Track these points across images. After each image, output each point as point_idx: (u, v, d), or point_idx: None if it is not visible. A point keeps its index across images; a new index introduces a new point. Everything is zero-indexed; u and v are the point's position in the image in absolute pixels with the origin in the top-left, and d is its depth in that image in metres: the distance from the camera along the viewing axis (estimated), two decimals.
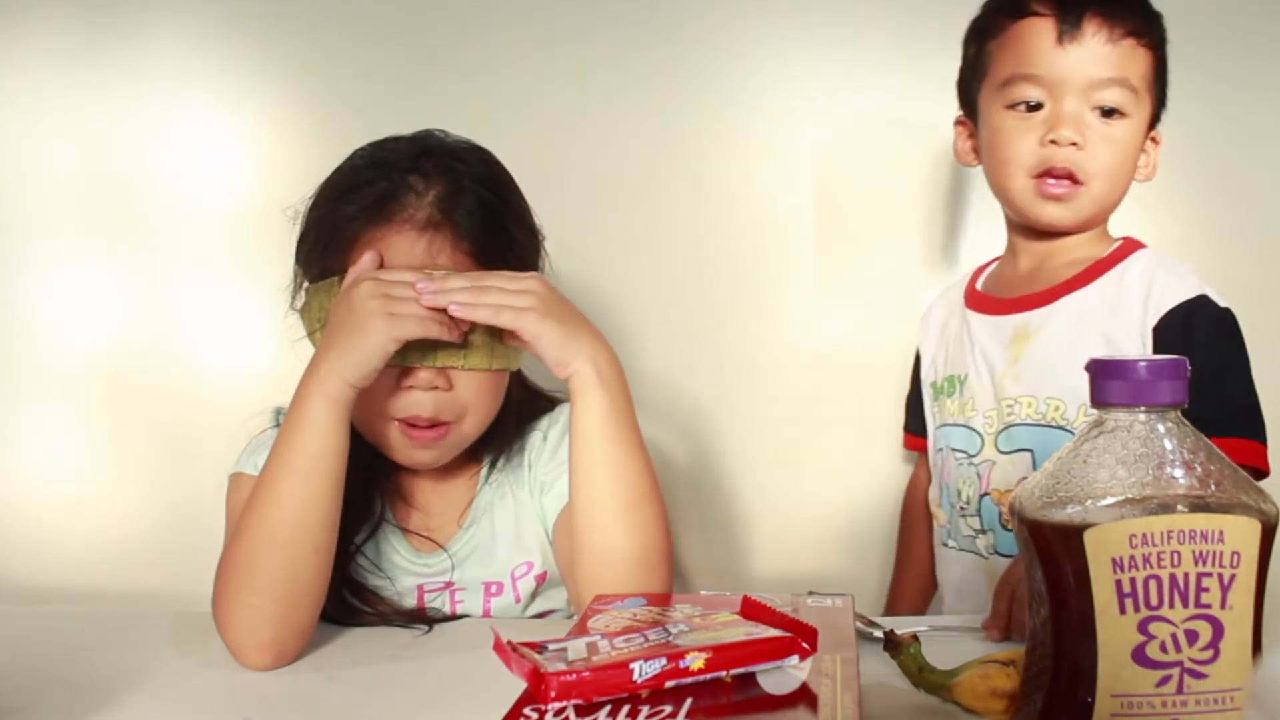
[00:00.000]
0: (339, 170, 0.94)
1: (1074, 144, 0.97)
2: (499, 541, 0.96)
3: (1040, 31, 0.98)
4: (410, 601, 0.94)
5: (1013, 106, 1.00)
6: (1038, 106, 0.99)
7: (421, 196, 0.88)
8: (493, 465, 0.98)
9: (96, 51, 1.37)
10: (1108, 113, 0.98)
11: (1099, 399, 0.53)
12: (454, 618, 0.93)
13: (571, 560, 0.87)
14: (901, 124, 1.36)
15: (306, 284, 0.94)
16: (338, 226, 0.90)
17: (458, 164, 0.91)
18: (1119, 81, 0.97)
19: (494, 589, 0.96)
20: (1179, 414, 0.52)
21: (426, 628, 0.88)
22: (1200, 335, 0.95)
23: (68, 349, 1.38)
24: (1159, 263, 1.01)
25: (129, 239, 1.37)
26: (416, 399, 0.88)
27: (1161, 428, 0.52)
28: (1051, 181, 0.99)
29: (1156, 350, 0.95)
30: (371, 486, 0.93)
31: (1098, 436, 0.53)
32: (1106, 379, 0.52)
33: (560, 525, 0.93)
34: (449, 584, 0.95)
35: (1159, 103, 1.03)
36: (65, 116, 1.37)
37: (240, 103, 1.37)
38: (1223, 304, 0.98)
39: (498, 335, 0.87)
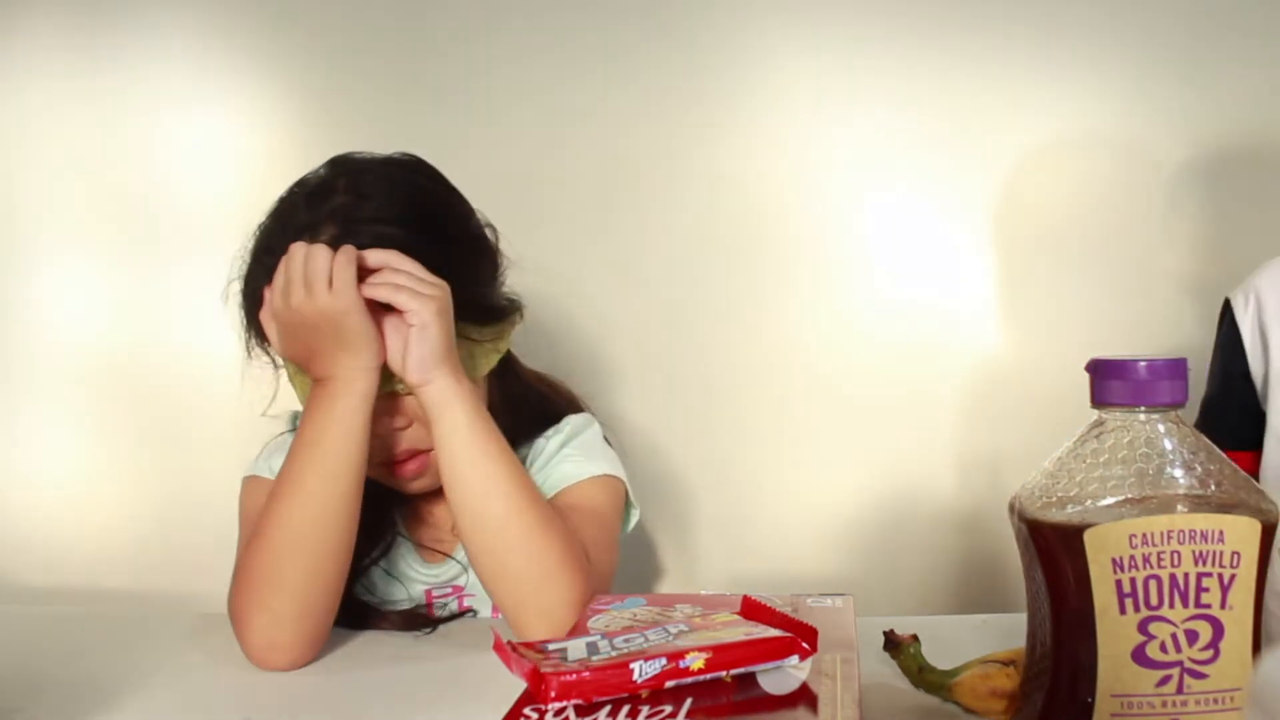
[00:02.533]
0: (257, 230, 0.91)
1: None
2: None
3: None
4: (413, 604, 0.95)
5: None
6: None
7: (328, 230, 0.84)
8: None
9: (96, 53, 1.37)
10: None
11: (1099, 399, 0.53)
12: (458, 614, 0.93)
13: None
14: (903, 129, 1.36)
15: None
16: (253, 299, 0.89)
17: (359, 208, 0.86)
18: None
19: None
20: (1179, 414, 0.52)
21: (430, 628, 0.88)
22: None
23: (68, 349, 1.38)
24: None
25: (129, 239, 1.38)
26: (385, 443, 0.87)
27: (1161, 428, 0.52)
28: None
29: None
30: (385, 501, 0.93)
31: (1098, 436, 0.53)
32: (1106, 379, 0.52)
33: None
34: (457, 589, 0.95)
35: None
36: (65, 117, 1.37)
37: (241, 102, 1.38)
38: None
39: None
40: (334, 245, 0.81)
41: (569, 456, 0.96)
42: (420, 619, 0.90)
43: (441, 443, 0.82)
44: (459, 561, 0.95)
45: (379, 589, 0.93)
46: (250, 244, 0.91)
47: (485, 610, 0.95)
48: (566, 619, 0.76)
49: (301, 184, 0.90)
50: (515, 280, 1.07)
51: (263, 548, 0.80)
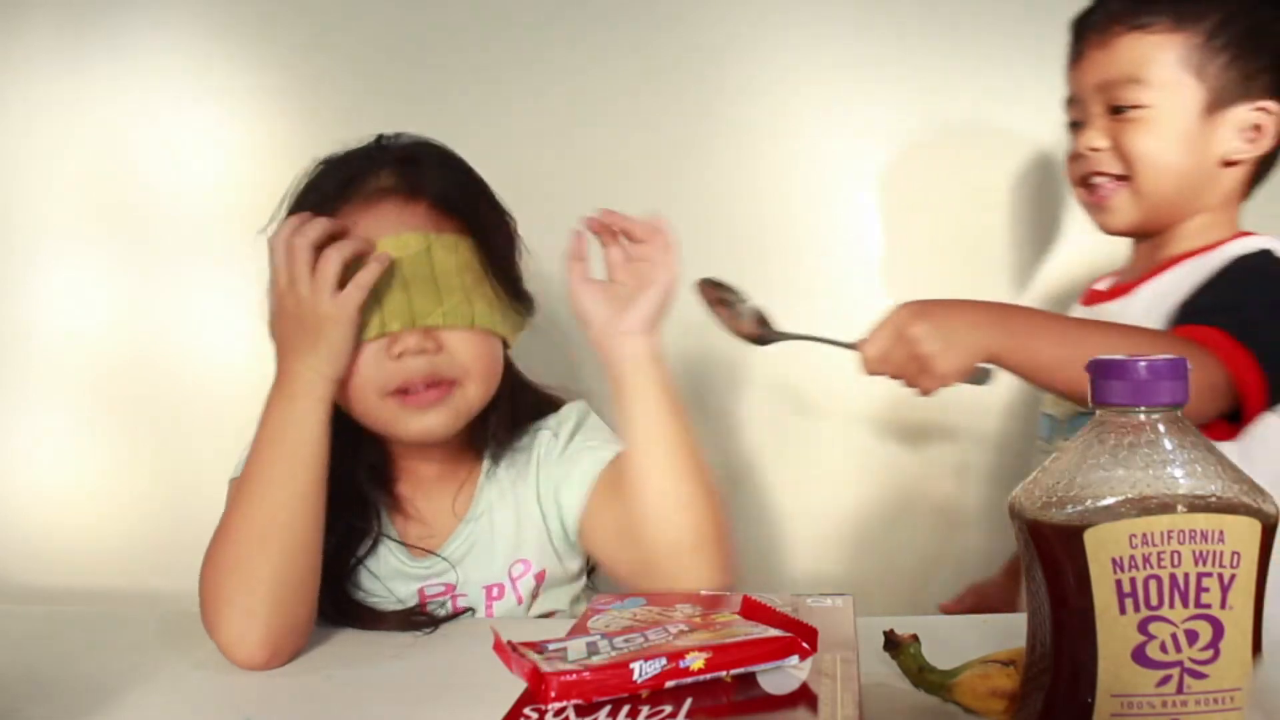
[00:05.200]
0: (296, 188, 0.95)
1: (1093, 149, 1.00)
2: (498, 540, 0.96)
3: (1071, 57, 1.03)
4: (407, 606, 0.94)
5: (1070, 129, 1.05)
6: (1077, 124, 1.03)
7: (386, 170, 0.92)
8: (495, 460, 0.98)
9: (96, 52, 1.37)
10: (1123, 109, 0.98)
11: (1099, 399, 0.53)
12: (456, 614, 0.93)
13: (623, 544, 0.89)
14: (908, 131, 1.36)
15: None
16: (319, 207, 0.90)
17: (414, 147, 0.95)
18: (1121, 80, 0.97)
19: (495, 592, 0.96)
20: (1179, 414, 0.52)
21: (431, 627, 0.88)
22: (1240, 269, 0.94)
23: (68, 349, 1.38)
24: (1262, 240, 0.98)
25: (130, 239, 1.38)
26: (408, 365, 0.88)
27: (1161, 428, 0.52)
28: (1085, 190, 1.03)
29: (1203, 285, 0.94)
30: (369, 498, 0.94)
31: (1098, 436, 0.53)
32: (1106, 379, 0.52)
33: (595, 511, 0.93)
34: (450, 588, 0.95)
35: (1237, 75, 0.96)
36: (65, 116, 1.37)
37: (242, 101, 1.38)
38: None
39: (475, 296, 0.90)
40: (406, 173, 0.90)
41: (590, 444, 0.97)
42: (420, 619, 0.90)
43: (638, 394, 0.86)
44: (445, 559, 0.95)
45: (369, 588, 0.93)
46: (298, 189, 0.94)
47: (480, 611, 0.95)
48: (726, 580, 0.85)
49: (345, 149, 0.95)
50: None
51: (228, 547, 0.81)
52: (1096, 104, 1.00)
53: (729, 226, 1.35)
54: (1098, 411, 0.53)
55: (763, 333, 0.99)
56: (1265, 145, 0.98)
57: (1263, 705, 0.35)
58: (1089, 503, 0.51)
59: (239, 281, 1.35)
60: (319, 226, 0.85)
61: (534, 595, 0.97)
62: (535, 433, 0.99)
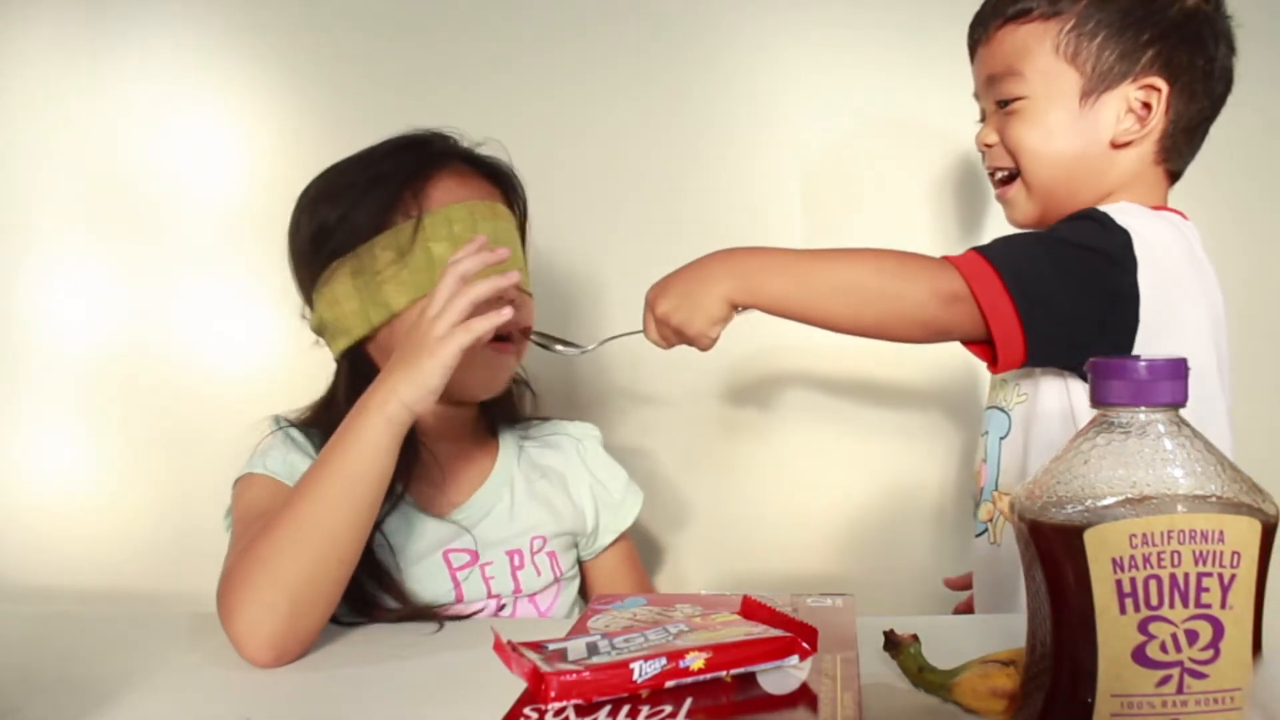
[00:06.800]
0: (347, 162, 1.00)
1: (987, 144, 1.00)
2: (518, 508, 1.01)
3: (969, 54, 1.02)
4: (439, 586, 0.95)
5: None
6: (982, 122, 1.03)
7: (453, 141, 1.02)
8: (522, 439, 1.07)
9: (97, 48, 1.37)
10: (1006, 103, 0.97)
11: (1099, 398, 0.53)
12: (465, 616, 0.94)
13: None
14: (902, 127, 1.36)
15: (322, 278, 0.97)
16: (379, 179, 0.96)
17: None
18: (1002, 73, 0.97)
19: (516, 560, 0.98)
20: (1179, 414, 0.52)
21: (438, 625, 0.88)
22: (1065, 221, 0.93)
23: (68, 349, 1.38)
24: (1121, 204, 0.94)
25: (130, 238, 1.38)
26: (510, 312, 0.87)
27: (1161, 427, 0.52)
28: (994, 186, 1.02)
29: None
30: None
31: (1097, 436, 0.53)
32: (1107, 378, 0.52)
33: (610, 564, 1.10)
34: (474, 555, 0.97)
35: (1115, 56, 0.93)
36: (66, 114, 1.37)
37: (243, 99, 1.38)
38: (1122, 222, 0.88)
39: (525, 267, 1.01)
40: (470, 164, 1.01)
41: (632, 488, 1.12)
42: (422, 612, 0.91)
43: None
44: (460, 524, 0.97)
45: (387, 563, 0.93)
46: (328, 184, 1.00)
47: (507, 589, 0.97)
48: None
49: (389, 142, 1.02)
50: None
51: (269, 541, 0.80)
52: (988, 100, 1.00)
53: (728, 229, 1.36)
54: (1098, 411, 0.53)
55: (575, 344, 1.06)
56: (1158, 123, 0.93)
57: (1263, 705, 0.35)
58: (1089, 503, 0.51)
59: (241, 282, 1.36)
60: (476, 262, 0.85)
61: (554, 578, 1.01)
62: (560, 428, 1.10)
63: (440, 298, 0.83)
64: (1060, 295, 0.85)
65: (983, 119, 1.03)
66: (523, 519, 1.01)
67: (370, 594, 0.90)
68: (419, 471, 0.96)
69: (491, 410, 1.06)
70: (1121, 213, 0.88)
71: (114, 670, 0.78)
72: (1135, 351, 0.80)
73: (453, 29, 1.36)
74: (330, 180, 0.99)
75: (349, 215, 0.96)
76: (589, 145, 1.36)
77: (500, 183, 1.03)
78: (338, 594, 0.82)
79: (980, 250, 0.87)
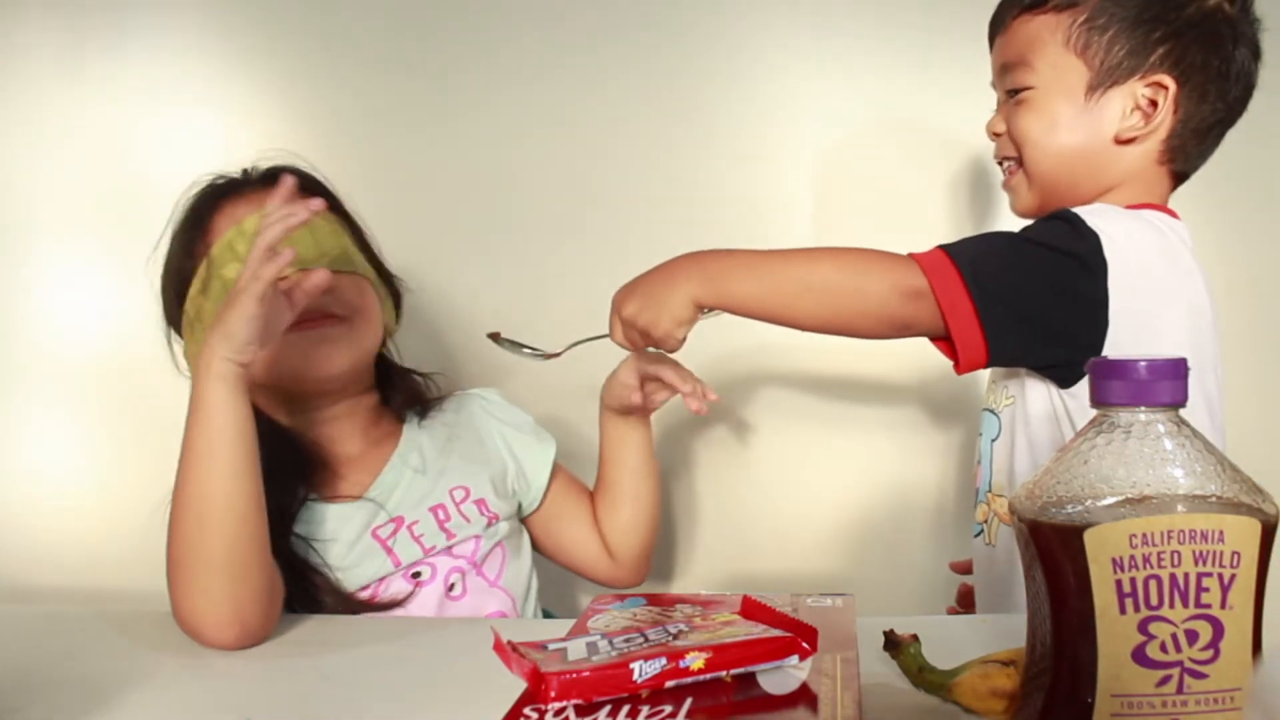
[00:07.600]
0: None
1: (995, 134, 1.01)
2: (430, 468, 1.03)
3: (989, 46, 1.03)
4: (376, 560, 0.97)
5: None
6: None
7: (250, 177, 1.05)
8: (421, 415, 1.09)
9: (97, 48, 1.37)
10: (1015, 92, 0.98)
11: (1099, 398, 0.53)
12: (410, 595, 0.96)
13: (585, 538, 1.13)
14: (909, 127, 1.36)
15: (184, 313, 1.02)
16: (177, 237, 1.03)
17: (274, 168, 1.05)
18: (1014, 63, 0.97)
19: (441, 514, 1.01)
20: (1179, 414, 0.52)
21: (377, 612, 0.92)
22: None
23: (68, 349, 1.38)
24: (1102, 205, 0.94)
25: (130, 238, 1.37)
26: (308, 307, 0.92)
27: (1161, 428, 0.52)
28: (1004, 176, 1.02)
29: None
30: (287, 473, 0.97)
31: (1097, 436, 0.53)
32: (1107, 378, 0.52)
33: (557, 503, 1.14)
34: (399, 520, 0.99)
35: (1124, 51, 0.93)
36: (65, 114, 1.37)
37: (243, 99, 1.38)
38: (1093, 224, 0.87)
39: (353, 252, 1.02)
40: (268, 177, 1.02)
41: (539, 428, 1.15)
42: (361, 605, 0.95)
43: (643, 444, 1.13)
44: (376, 501, 0.99)
45: (311, 559, 0.95)
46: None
47: (440, 544, 0.98)
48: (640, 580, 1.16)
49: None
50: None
51: (175, 533, 0.84)
52: (1000, 90, 1.01)
53: (718, 230, 1.36)
54: (1098, 411, 0.53)
55: (541, 350, 1.10)
56: (1164, 121, 0.93)
57: (1263, 705, 0.35)
58: (1089, 503, 0.51)
59: None
60: (279, 230, 0.87)
61: (488, 523, 1.02)
62: (461, 395, 1.14)
63: (249, 265, 0.85)
64: (1022, 295, 0.86)
65: (998, 108, 1.03)
66: (436, 475, 1.04)
67: (315, 598, 0.93)
68: (319, 469, 1.00)
69: (393, 400, 1.10)
70: (1094, 214, 0.88)
71: (114, 670, 0.78)
72: (1105, 353, 0.80)
73: (451, 29, 1.36)
74: (166, 250, 1.06)
75: (169, 278, 1.04)
76: (598, 152, 1.36)
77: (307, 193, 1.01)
78: (264, 549, 0.85)
79: (945, 248, 0.87)
